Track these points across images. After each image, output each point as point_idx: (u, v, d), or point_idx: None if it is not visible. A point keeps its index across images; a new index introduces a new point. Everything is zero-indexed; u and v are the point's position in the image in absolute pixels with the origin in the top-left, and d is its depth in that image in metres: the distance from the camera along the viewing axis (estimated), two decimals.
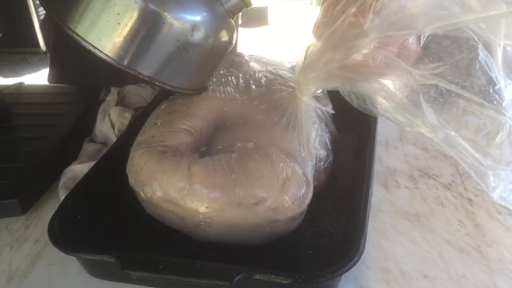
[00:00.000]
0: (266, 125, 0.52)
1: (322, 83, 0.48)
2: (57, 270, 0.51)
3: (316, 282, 0.41)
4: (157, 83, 0.50)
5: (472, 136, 0.43)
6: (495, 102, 0.43)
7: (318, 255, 0.50)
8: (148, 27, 0.46)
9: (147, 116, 0.57)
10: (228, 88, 0.57)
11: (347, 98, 0.47)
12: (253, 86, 0.57)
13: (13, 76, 1.02)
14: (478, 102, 0.43)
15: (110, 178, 0.55)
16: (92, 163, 0.60)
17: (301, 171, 0.47)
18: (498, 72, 0.43)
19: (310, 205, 0.50)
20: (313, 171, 0.51)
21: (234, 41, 0.55)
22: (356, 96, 0.47)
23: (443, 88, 0.44)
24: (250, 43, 1.02)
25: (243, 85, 0.58)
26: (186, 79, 0.53)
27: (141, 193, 0.48)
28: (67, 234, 0.47)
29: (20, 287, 0.49)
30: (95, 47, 0.46)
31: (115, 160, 0.55)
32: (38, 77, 1.01)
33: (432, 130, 0.43)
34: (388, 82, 0.45)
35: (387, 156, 0.68)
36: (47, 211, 0.60)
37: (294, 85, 0.54)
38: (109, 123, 0.69)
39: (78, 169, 0.62)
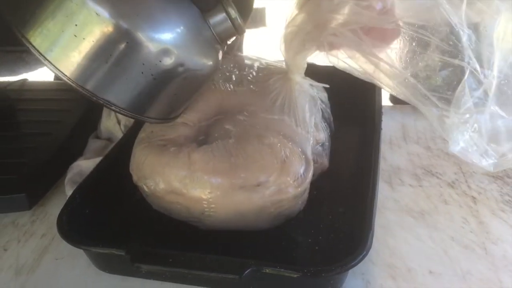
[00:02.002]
0: (262, 109, 0.52)
1: (303, 51, 0.49)
2: (65, 265, 0.51)
3: (325, 276, 0.42)
4: (113, 108, 0.43)
5: (434, 86, 0.44)
6: (450, 43, 0.43)
7: (324, 250, 0.51)
8: (108, 45, 0.40)
9: None
10: (223, 79, 0.57)
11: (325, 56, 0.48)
12: (247, 76, 0.58)
13: (10, 74, 1.02)
14: (441, 49, 0.43)
15: (117, 173, 0.55)
16: (98, 159, 0.60)
17: (300, 150, 0.48)
18: (459, 20, 0.42)
19: (315, 201, 0.51)
20: (312, 150, 0.52)
21: (217, 69, 0.49)
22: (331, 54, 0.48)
23: (406, 38, 0.44)
24: (247, 45, 1.02)
25: (237, 75, 0.58)
26: (151, 107, 0.45)
27: (145, 187, 0.48)
28: (76, 228, 0.47)
29: (28, 281, 0.49)
30: (45, 58, 0.40)
31: (122, 155, 0.56)
32: (36, 76, 1.01)
33: (393, 73, 0.44)
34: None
35: (391, 155, 0.68)
36: (53, 206, 0.60)
37: (286, 70, 0.55)
38: (115, 119, 0.69)
39: (84, 164, 0.62)
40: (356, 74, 0.48)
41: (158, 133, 0.50)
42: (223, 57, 0.50)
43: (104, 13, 0.39)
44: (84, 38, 0.39)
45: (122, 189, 0.54)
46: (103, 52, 0.40)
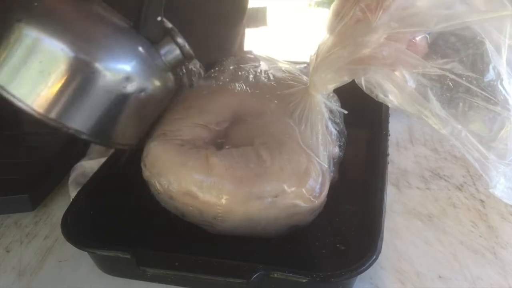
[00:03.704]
0: (281, 118, 0.52)
1: (335, 79, 0.48)
2: (68, 267, 0.50)
3: (334, 281, 0.41)
4: (83, 137, 0.45)
5: (477, 130, 0.44)
6: (502, 97, 0.43)
7: (332, 254, 0.50)
8: (75, 77, 0.42)
9: None
10: (242, 82, 0.57)
11: (359, 85, 0.47)
12: (265, 81, 0.58)
13: None
14: (484, 97, 0.43)
15: (123, 174, 0.54)
16: (102, 159, 0.59)
17: (318, 164, 0.48)
18: (504, 69, 0.43)
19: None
20: (330, 166, 0.51)
21: (171, 95, 0.53)
22: (368, 83, 0.47)
23: (450, 83, 0.44)
24: (248, 44, 1.02)
25: (256, 80, 0.58)
26: (116, 132, 0.48)
27: (157, 185, 0.48)
28: (80, 230, 0.46)
29: (31, 283, 0.48)
30: (14, 97, 0.42)
31: (127, 155, 0.55)
32: None
33: (440, 122, 0.44)
34: (398, 74, 0.45)
35: (398, 157, 0.67)
36: (56, 207, 0.59)
37: (304, 81, 0.55)
38: None
39: (88, 165, 0.62)
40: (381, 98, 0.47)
41: (176, 132, 0.50)
42: (176, 83, 0.53)
43: (65, 48, 0.42)
44: (50, 73, 0.42)
45: (128, 190, 0.53)
46: (71, 85, 0.43)
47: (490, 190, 0.44)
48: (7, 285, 0.48)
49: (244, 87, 0.56)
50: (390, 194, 0.59)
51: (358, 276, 0.43)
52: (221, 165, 0.44)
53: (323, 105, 0.53)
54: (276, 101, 0.54)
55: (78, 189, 0.53)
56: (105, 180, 0.53)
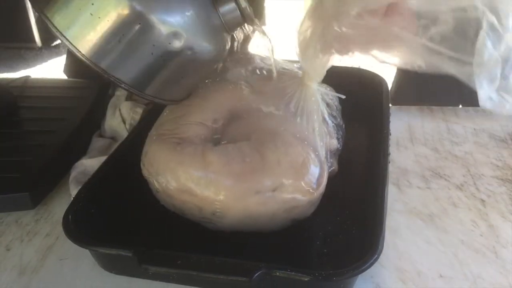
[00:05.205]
0: (276, 111, 0.52)
1: (320, 59, 0.48)
2: (69, 265, 0.50)
3: (336, 280, 0.41)
4: (122, 86, 0.45)
5: (452, 35, 0.43)
6: None
7: (333, 253, 0.50)
8: (122, 25, 0.42)
9: (159, 111, 0.56)
10: (238, 80, 0.57)
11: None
12: (261, 78, 0.58)
13: (8, 71, 1.01)
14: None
15: (124, 172, 0.54)
16: (102, 158, 0.59)
17: (316, 156, 0.48)
18: None
19: (323, 203, 0.50)
20: (328, 157, 0.51)
21: (223, 57, 0.52)
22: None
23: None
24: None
25: (252, 77, 0.58)
26: (157, 88, 0.48)
27: (156, 183, 0.48)
28: (81, 228, 0.46)
29: (31, 281, 0.48)
30: (62, 34, 0.42)
31: (128, 154, 0.55)
32: (34, 72, 1.00)
33: (411, 46, 0.44)
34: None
35: (398, 156, 0.67)
36: (57, 205, 0.59)
37: (299, 74, 0.55)
38: (120, 118, 0.69)
39: (88, 163, 0.62)
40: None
41: (173, 131, 0.50)
42: (231, 46, 0.53)
43: None
44: (99, 18, 0.42)
45: (129, 188, 0.53)
46: (116, 32, 0.42)
47: (480, 105, 0.44)
48: (8, 284, 0.48)
49: (242, 84, 0.56)
50: (391, 194, 0.59)
51: (360, 275, 0.43)
52: (218, 162, 0.45)
53: (318, 94, 0.53)
54: (271, 96, 0.54)
55: (79, 187, 0.53)
56: (106, 179, 0.53)
